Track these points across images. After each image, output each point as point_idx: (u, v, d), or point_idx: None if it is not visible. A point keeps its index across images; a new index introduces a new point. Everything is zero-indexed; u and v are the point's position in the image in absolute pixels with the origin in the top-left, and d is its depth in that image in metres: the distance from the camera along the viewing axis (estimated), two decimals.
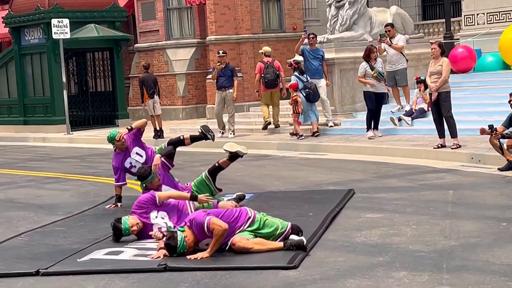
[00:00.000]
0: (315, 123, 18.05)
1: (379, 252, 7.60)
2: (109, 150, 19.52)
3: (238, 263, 7.45)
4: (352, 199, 10.59)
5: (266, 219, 8.09)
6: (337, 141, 16.95)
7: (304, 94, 17.89)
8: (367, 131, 16.69)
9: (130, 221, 8.73)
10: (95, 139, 22.68)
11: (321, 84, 18.32)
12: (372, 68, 16.51)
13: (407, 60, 18.15)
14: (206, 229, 7.67)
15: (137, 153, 11.02)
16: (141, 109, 22.77)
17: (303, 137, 17.73)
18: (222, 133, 19.45)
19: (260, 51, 20.71)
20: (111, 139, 11.00)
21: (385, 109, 17.74)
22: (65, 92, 24.67)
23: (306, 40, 18.49)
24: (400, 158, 14.67)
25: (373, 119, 16.73)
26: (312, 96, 17.95)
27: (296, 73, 18.28)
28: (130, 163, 10.96)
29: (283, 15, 26.42)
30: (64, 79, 24.80)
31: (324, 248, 7.92)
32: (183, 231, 7.78)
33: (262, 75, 19.37)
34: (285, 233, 7.99)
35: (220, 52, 19.86)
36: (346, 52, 19.36)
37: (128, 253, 8.11)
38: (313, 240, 8.12)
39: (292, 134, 18.23)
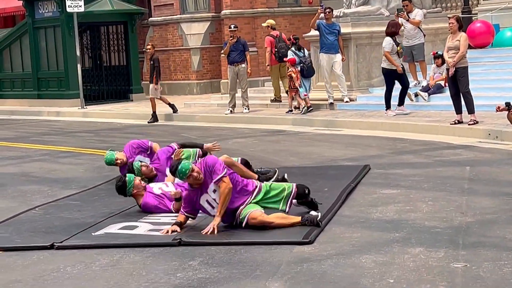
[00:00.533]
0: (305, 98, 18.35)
1: (395, 228, 7.59)
2: (123, 125, 19.66)
3: (252, 238, 7.45)
4: (367, 175, 10.56)
5: (271, 184, 8.17)
6: (353, 117, 16.88)
7: (299, 69, 18.12)
8: (387, 109, 16.41)
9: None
10: (109, 113, 22.70)
11: (337, 59, 18.23)
12: (397, 44, 16.30)
13: (424, 35, 17.99)
14: (210, 171, 7.65)
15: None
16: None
17: (311, 108, 17.98)
18: (231, 111, 19.42)
19: (263, 24, 20.75)
20: (109, 164, 10.63)
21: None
22: (79, 66, 24.65)
23: (322, 15, 18.36)
24: (416, 134, 14.61)
25: (390, 97, 16.44)
26: (307, 71, 18.24)
27: (293, 48, 18.46)
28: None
29: None
30: (78, 53, 24.77)
31: (339, 223, 7.92)
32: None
33: (276, 49, 19.34)
34: (292, 193, 8.02)
35: (232, 26, 19.84)
36: (363, 26, 19.20)
37: (142, 228, 8.14)
38: (328, 216, 8.10)
39: (304, 111, 18.08)
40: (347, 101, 18.30)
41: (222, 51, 20.08)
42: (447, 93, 15.36)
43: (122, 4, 26.44)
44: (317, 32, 18.65)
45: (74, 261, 7.07)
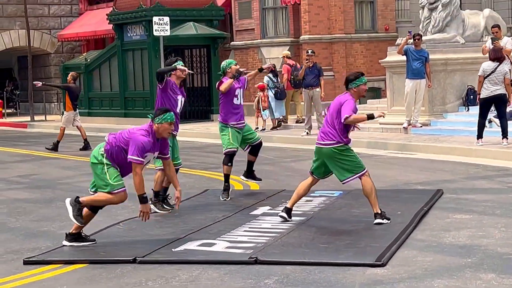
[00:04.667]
0: (277, 119, 21.65)
1: (467, 253, 7.62)
2: (204, 144, 20.04)
3: (326, 258, 7.59)
4: (440, 200, 10.63)
5: None
6: (427, 141, 16.94)
7: (273, 92, 21.46)
8: (477, 139, 15.71)
9: None
10: (191, 132, 23.12)
11: (422, 85, 18.35)
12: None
13: (511, 62, 17.70)
14: None
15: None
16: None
17: (264, 130, 21.05)
18: (307, 133, 19.85)
19: (283, 54, 22.88)
20: (228, 64, 12.12)
21: (475, 111, 17.61)
22: None
23: (410, 41, 18.43)
24: (489, 160, 14.59)
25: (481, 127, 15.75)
26: (280, 94, 21.63)
27: (270, 75, 21.20)
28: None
29: (376, 16, 26.42)
30: None
31: (412, 247, 7.99)
32: None
33: (292, 76, 21.75)
34: None
35: (309, 51, 20.44)
36: (438, 53, 19.28)
37: (220, 245, 8.35)
38: (401, 239, 8.22)
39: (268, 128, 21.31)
40: (420, 126, 18.44)
41: (297, 74, 20.98)
42: None
43: (205, 29, 27.04)
44: (393, 58, 18.82)
45: (155, 275, 7.27)
